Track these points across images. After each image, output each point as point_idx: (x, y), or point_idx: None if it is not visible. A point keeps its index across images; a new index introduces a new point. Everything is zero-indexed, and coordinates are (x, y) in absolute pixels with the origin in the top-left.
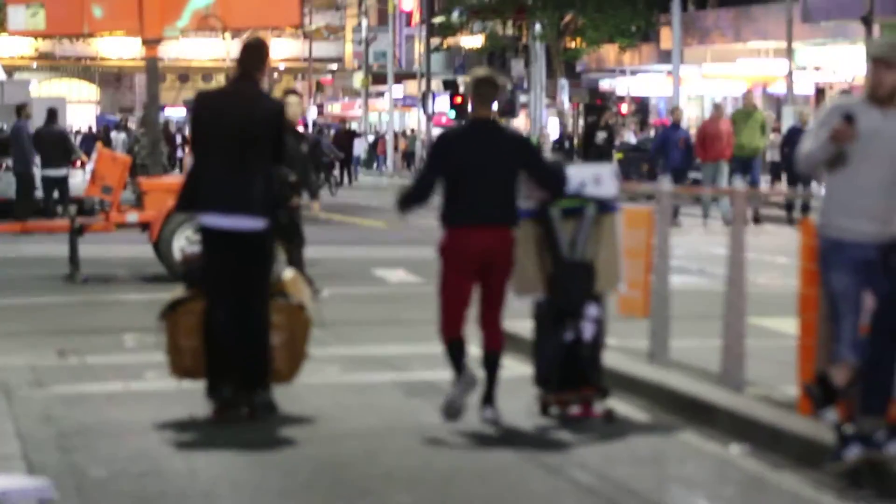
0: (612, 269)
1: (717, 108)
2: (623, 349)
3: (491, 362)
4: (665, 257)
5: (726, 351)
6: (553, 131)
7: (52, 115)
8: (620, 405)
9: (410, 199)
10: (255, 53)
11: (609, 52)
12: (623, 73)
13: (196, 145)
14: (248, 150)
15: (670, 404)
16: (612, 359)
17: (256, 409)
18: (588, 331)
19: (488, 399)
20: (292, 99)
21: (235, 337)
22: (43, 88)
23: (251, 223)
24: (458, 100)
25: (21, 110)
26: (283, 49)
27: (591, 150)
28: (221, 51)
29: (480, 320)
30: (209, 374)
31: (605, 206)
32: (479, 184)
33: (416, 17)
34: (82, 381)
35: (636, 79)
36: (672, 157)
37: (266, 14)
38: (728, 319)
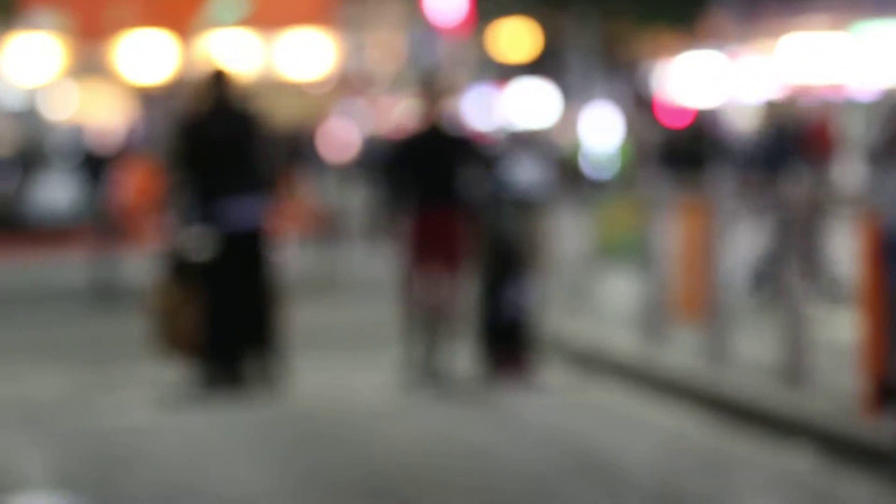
0: (534, 250)
1: None
2: (680, 352)
3: (443, 331)
4: (723, 257)
5: (788, 351)
6: None
7: None
8: (682, 411)
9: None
10: (224, 81)
11: None
12: None
13: (197, 165)
14: (250, 159)
15: (731, 410)
16: (670, 361)
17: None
18: (522, 299)
19: (440, 363)
20: None
21: (246, 319)
22: None
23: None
24: None
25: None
26: None
27: None
28: None
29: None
30: (219, 349)
31: (529, 195)
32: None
33: None
34: (117, 412)
35: None
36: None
37: None
38: (788, 318)
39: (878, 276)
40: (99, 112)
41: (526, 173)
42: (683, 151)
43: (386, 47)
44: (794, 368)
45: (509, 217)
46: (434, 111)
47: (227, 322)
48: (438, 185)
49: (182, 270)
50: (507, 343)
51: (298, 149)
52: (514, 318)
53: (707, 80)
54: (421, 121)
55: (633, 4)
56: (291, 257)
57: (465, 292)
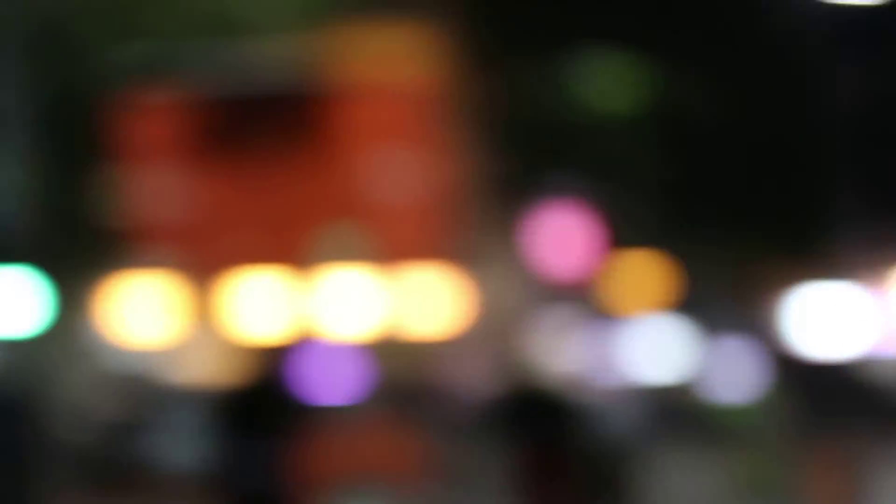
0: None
1: None
2: None
3: None
4: None
5: None
6: None
7: None
8: None
9: None
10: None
11: None
12: None
13: None
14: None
15: None
16: None
17: None
18: None
19: None
20: None
21: None
22: None
23: None
24: None
25: None
26: None
27: None
28: None
29: None
30: None
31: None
32: None
33: None
34: None
35: None
36: None
37: None
38: None
39: None
40: (216, 364)
41: (621, 423)
42: (826, 401)
43: (500, 285)
44: None
45: (603, 463)
46: (528, 366)
47: None
48: (533, 438)
49: None
50: None
51: (418, 397)
52: None
53: (843, 321)
54: (518, 374)
55: (767, 232)
56: None
57: None
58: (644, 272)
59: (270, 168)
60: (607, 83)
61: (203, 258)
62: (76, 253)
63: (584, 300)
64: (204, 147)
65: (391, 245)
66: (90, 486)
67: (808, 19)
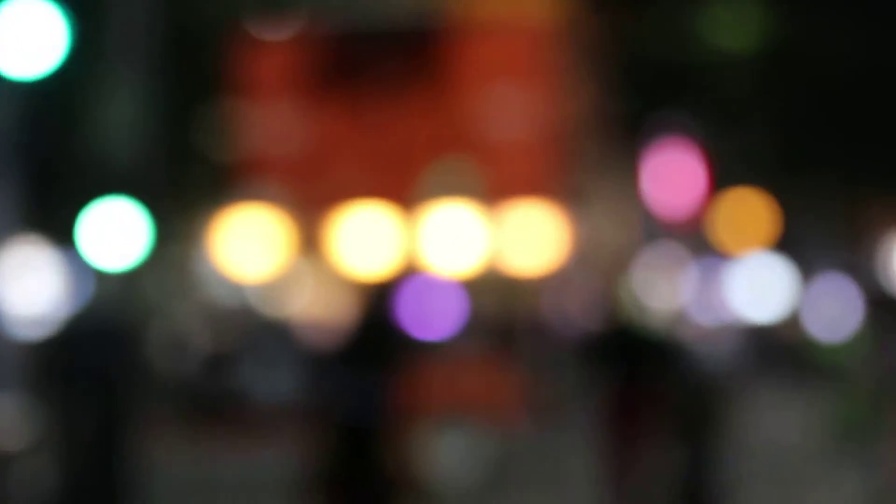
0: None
1: None
2: None
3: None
4: None
5: None
6: None
7: None
8: None
9: None
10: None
11: None
12: None
13: None
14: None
15: None
16: None
17: None
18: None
19: None
20: None
21: None
22: None
23: None
24: None
25: None
26: None
27: None
28: None
29: None
30: None
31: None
32: None
33: None
34: None
35: None
36: None
37: None
38: None
39: None
40: (320, 298)
41: (719, 360)
42: None
43: (608, 222)
44: None
45: (698, 400)
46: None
47: None
48: (629, 374)
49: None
50: None
51: (517, 332)
52: (692, 490)
53: None
54: (618, 311)
55: (875, 168)
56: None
57: (655, 465)
58: (749, 211)
59: (385, 103)
60: (723, 22)
61: (313, 193)
62: (187, 185)
63: (692, 238)
64: (319, 82)
65: (500, 181)
66: (190, 417)
67: None
